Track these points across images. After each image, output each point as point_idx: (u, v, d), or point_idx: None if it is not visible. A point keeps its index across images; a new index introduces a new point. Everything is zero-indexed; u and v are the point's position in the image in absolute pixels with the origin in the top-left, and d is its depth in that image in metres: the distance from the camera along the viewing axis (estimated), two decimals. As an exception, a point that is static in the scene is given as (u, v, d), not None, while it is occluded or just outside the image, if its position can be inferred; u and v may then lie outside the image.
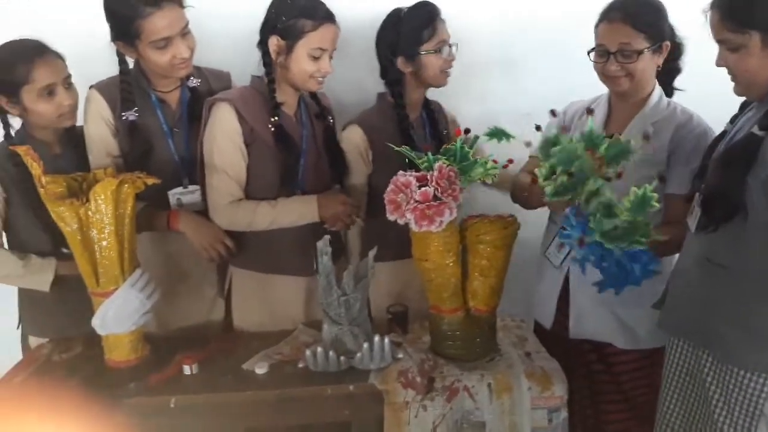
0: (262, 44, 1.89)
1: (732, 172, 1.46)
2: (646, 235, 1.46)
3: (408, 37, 1.96)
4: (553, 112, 1.77)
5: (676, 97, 1.96)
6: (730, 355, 1.54)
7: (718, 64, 1.50)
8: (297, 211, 1.93)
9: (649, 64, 1.81)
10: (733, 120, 1.64)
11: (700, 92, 1.90)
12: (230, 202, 1.91)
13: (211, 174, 1.90)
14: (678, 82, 1.96)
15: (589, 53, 1.84)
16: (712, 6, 1.47)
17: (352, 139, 2.03)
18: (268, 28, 1.87)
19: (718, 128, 1.70)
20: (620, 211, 1.46)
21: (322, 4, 1.87)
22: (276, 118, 1.90)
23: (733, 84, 1.52)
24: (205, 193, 1.96)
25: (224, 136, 1.87)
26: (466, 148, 1.65)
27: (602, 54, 1.81)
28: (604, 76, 1.85)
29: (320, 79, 1.90)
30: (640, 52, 1.77)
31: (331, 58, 1.89)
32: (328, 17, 1.86)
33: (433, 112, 2.15)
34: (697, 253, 1.61)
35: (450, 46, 1.99)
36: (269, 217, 1.91)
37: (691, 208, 1.63)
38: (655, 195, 1.45)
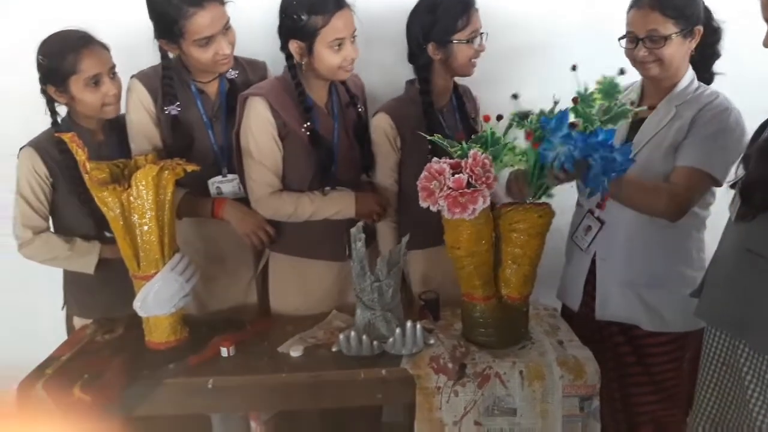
0: (284, 48, 1.90)
1: None
2: (625, 114, 1.63)
3: (442, 25, 1.93)
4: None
5: (721, 82, 1.91)
6: (767, 346, 1.51)
7: (765, 44, 1.48)
8: (336, 206, 1.98)
9: (678, 49, 1.79)
10: (778, 107, 1.61)
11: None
12: (271, 194, 1.96)
13: (250, 166, 1.94)
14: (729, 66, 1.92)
15: (620, 40, 1.83)
16: None
17: (381, 126, 2.02)
18: (284, 32, 1.88)
19: (762, 116, 1.66)
20: (595, 97, 1.61)
21: None
22: (309, 123, 1.92)
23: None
24: (244, 183, 2.00)
25: (260, 129, 1.90)
26: (497, 134, 1.65)
27: (632, 40, 1.81)
28: (634, 62, 1.84)
29: (349, 67, 1.90)
30: (667, 38, 1.75)
31: (353, 40, 1.88)
32: (337, 5, 1.83)
33: (462, 99, 2.13)
34: (736, 243, 1.59)
35: (481, 35, 1.96)
36: (310, 210, 1.96)
37: (732, 196, 1.61)
38: (620, 84, 1.63)
